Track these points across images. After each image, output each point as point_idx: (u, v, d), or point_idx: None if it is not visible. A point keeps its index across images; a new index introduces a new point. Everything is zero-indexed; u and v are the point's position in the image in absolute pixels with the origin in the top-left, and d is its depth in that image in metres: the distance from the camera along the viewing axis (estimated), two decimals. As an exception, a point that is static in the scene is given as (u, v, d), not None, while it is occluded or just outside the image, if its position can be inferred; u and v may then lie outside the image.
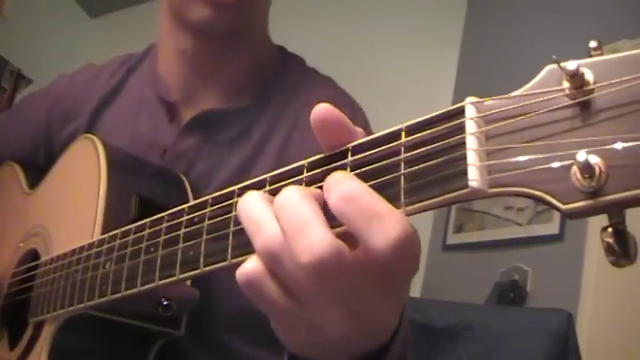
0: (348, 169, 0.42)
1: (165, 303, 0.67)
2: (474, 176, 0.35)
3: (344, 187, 0.37)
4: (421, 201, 0.37)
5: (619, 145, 0.31)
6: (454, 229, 2.61)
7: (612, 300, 2.00)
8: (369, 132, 0.89)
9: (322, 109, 0.41)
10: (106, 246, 0.64)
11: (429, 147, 0.38)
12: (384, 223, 0.35)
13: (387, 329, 0.43)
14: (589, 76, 0.33)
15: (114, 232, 0.63)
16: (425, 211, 0.38)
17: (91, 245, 0.67)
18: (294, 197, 0.38)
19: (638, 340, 1.90)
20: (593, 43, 0.34)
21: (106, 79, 0.98)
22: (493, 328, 1.40)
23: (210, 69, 0.89)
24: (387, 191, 0.39)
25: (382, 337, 0.43)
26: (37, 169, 0.96)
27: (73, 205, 0.80)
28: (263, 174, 0.47)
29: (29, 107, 1.06)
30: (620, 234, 0.32)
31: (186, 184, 0.81)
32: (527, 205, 2.33)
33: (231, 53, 0.88)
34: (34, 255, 0.83)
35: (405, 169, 0.39)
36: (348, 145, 0.42)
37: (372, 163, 0.41)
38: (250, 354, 0.80)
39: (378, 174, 0.40)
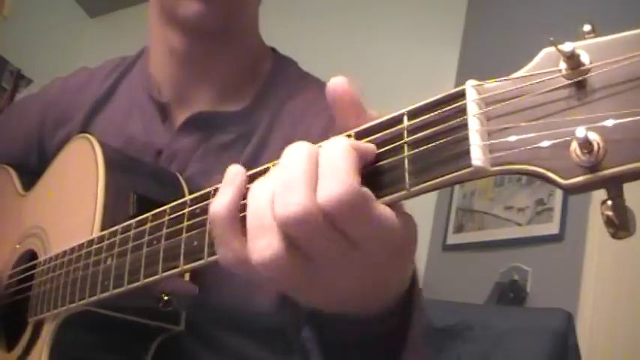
0: None
1: (165, 298, 0.67)
2: (477, 155, 0.36)
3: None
4: (425, 182, 0.38)
5: (616, 121, 0.32)
6: (454, 229, 2.62)
7: (612, 300, 2.00)
8: None
9: (339, 83, 0.43)
10: (106, 242, 0.64)
11: (431, 130, 0.39)
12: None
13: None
14: (585, 57, 0.35)
15: (114, 229, 0.63)
16: (429, 191, 0.39)
17: (90, 242, 0.67)
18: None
19: (638, 340, 1.91)
20: (587, 27, 0.35)
21: (99, 83, 0.97)
22: (493, 328, 1.40)
23: (200, 67, 0.88)
24: (392, 174, 0.40)
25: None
26: (30, 171, 0.95)
27: (70, 205, 0.79)
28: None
29: (22, 111, 1.05)
30: (619, 206, 0.33)
31: (183, 182, 0.81)
32: (527, 205, 2.33)
33: (222, 51, 0.88)
34: (31, 256, 0.82)
35: (408, 152, 0.40)
36: (351, 131, 0.43)
37: (377, 148, 0.42)
38: (247, 350, 0.80)
39: (382, 157, 0.41)
